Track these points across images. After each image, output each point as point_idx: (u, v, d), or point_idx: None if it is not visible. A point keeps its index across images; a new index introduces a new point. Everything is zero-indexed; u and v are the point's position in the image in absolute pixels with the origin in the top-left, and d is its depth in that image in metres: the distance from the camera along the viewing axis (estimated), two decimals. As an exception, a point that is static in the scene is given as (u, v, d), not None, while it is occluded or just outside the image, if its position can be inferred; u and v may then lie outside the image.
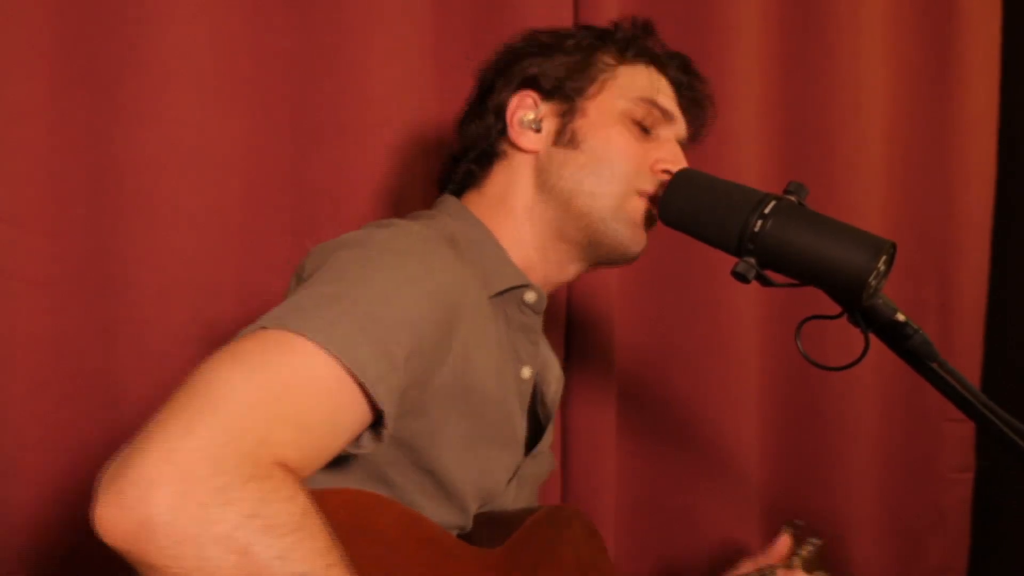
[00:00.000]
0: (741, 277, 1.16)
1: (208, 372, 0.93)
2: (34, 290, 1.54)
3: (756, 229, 1.15)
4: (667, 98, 1.41)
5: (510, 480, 1.32)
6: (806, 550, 1.73)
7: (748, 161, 2.02)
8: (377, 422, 1.02)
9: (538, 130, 1.37)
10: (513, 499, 1.35)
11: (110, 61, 1.56)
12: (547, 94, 1.38)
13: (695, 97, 1.47)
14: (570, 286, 1.90)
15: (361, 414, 1.00)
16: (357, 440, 1.04)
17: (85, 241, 1.57)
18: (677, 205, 1.25)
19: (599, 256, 1.39)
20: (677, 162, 1.38)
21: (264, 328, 0.97)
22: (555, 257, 1.37)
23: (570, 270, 1.40)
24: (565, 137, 1.35)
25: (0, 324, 1.52)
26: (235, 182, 1.65)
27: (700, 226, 1.23)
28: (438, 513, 1.19)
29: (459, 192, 1.42)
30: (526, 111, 1.37)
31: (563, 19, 1.83)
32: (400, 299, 1.06)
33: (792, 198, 1.18)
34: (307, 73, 1.69)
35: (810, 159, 2.12)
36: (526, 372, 1.33)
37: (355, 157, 1.71)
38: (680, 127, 1.43)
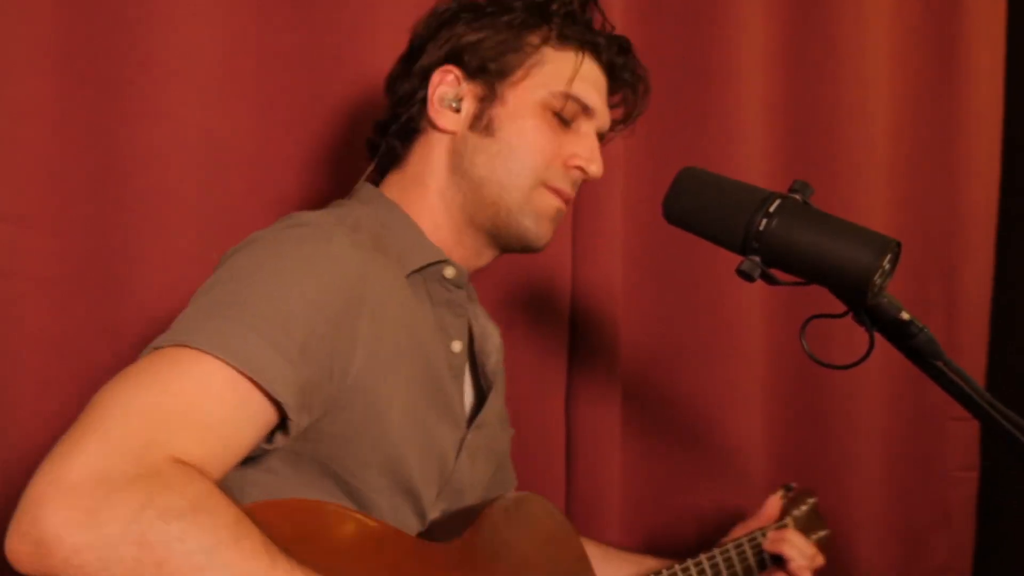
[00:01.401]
0: (746, 276, 1.16)
1: (99, 395, 0.97)
2: (39, 289, 1.54)
3: (761, 228, 1.15)
4: (592, 89, 1.39)
5: (459, 454, 1.32)
6: (800, 510, 1.74)
7: (753, 160, 2.02)
8: (283, 415, 1.04)
9: (457, 109, 1.35)
10: (470, 474, 1.35)
11: (115, 59, 1.56)
12: (471, 73, 1.35)
13: (629, 80, 1.45)
14: (574, 284, 1.90)
15: (263, 411, 1.03)
16: (269, 436, 1.07)
17: (90, 240, 1.57)
18: (682, 203, 1.25)
19: (505, 245, 1.39)
20: (592, 158, 1.39)
21: (157, 348, 1.01)
22: (469, 243, 1.38)
23: (484, 255, 1.40)
24: (482, 123, 1.35)
25: (6, 323, 1.52)
26: (240, 180, 1.66)
27: (704, 224, 1.22)
28: (392, 504, 1.20)
29: (382, 171, 1.42)
30: (447, 88, 1.35)
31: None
32: (288, 293, 1.08)
33: (797, 197, 1.17)
34: (312, 71, 1.69)
35: (815, 158, 2.12)
36: (456, 346, 1.34)
37: (360, 156, 1.71)
38: (602, 120, 1.42)
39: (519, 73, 1.35)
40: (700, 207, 1.23)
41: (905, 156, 2.26)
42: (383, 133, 1.41)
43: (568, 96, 1.36)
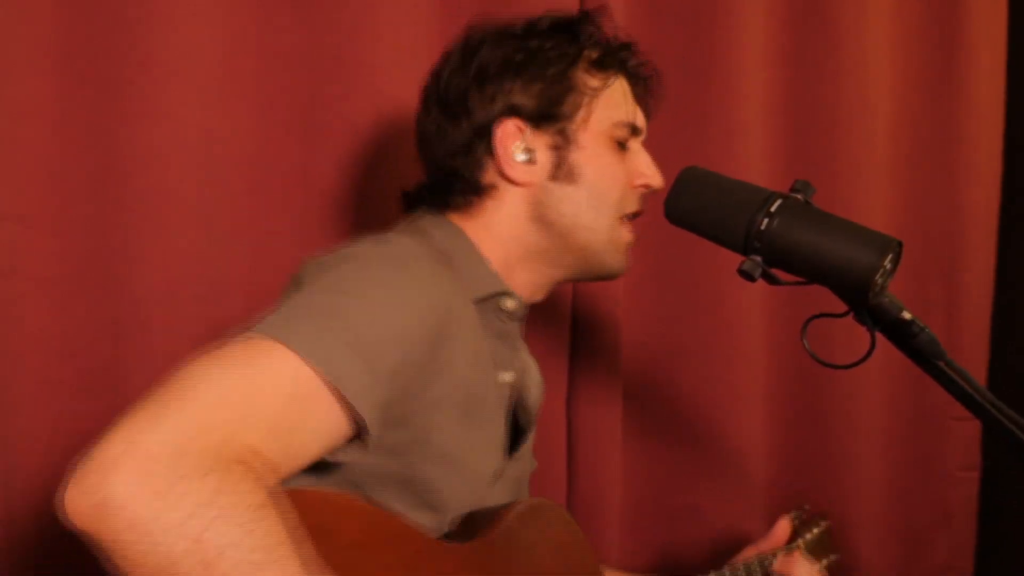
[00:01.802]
0: (747, 275, 1.16)
1: (187, 370, 0.96)
2: (40, 288, 1.54)
3: (762, 227, 1.15)
4: (634, 107, 1.41)
5: (495, 483, 1.33)
6: (812, 532, 1.74)
7: (754, 159, 2.02)
8: (360, 432, 1.05)
9: (531, 161, 1.34)
10: (500, 500, 1.35)
11: (115, 59, 1.56)
12: (535, 123, 1.34)
13: (649, 84, 1.46)
14: (575, 284, 1.90)
15: (340, 424, 1.03)
16: (342, 448, 1.07)
17: (91, 239, 1.57)
18: (683, 203, 1.25)
19: (587, 278, 1.44)
20: (654, 172, 1.40)
21: (251, 334, 1.00)
22: (541, 281, 1.39)
23: (550, 288, 1.42)
24: (563, 171, 1.34)
25: (7, 322, 1.52)
26: (241, 180, 1.66)
27: (706, 224, 1.23)
28: (414, 517, 1.20)
29: (438, 209, 1.39)
30: (514, 141, 1.33)
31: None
32: (389, 315, 1.08)
33: (798, 196, 1.18)
34: (313, 71, 1.69)
35: (816, 157, 2.12)
36: (506, 377, 1.34)
37: (361, 156, 1.71)
38: (644, 134, 1.44)
39: (582, 114, 1.35)
40: (701, 207, 1.23)
41: (906, 156, 2.26)
42: (434, 190, 1.38)
43: (625, 123, 1.38)
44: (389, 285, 1.12)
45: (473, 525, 1.26)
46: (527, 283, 1.38)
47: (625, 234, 1.40)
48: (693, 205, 1.24)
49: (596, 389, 1.93)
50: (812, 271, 1.15)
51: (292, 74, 1.68)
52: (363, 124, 1.70)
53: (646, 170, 1.40)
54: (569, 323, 1.91)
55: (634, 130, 1.40)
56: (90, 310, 1.57)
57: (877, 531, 2.21)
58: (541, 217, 1.35)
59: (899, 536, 2.27)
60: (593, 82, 1.36)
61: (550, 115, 1.33)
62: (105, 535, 0.86)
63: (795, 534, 1.72)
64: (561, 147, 1.34)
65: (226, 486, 0.88)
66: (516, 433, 1.43)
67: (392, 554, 1.12)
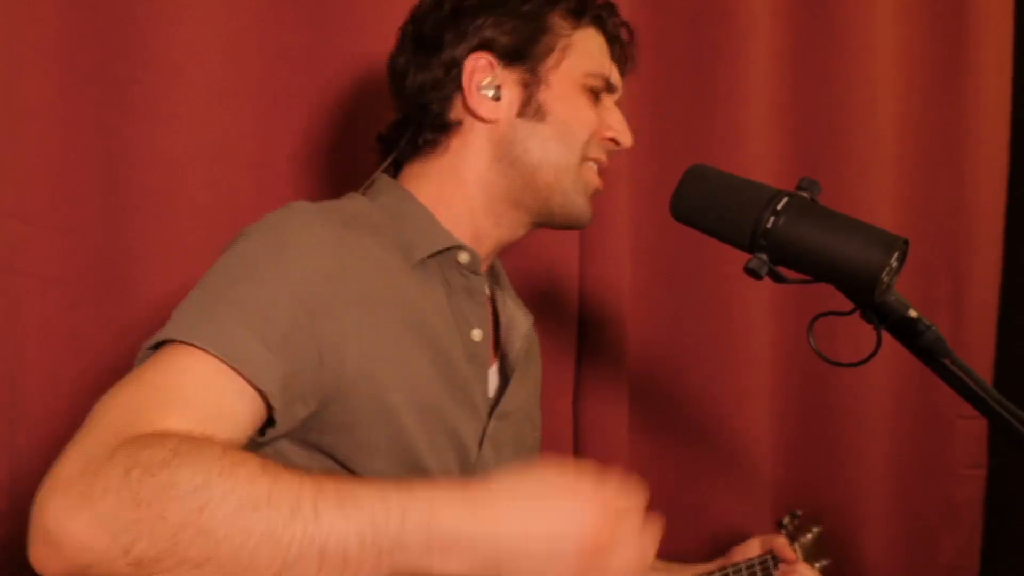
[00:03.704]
0: (753, 273, 1.16)
1: (92, 410, 0.98)
2: (47, 287, 1.55)
3: (769, 225, 1.15)
4: (610, 63, 1.41)
5: (481, 444, 1.32)
6: (806, 537, 1.74)
7: (761, 157, 2.02)
8: (268, 404, 1.05)
9: (497, 98, 1.33)
10: (497, 466, 1.35)
11: (122, 58, 1.56)
12: (506, 60, 1.33)
13: (626, 44, 1.45)
14: (582, 282, 1.90)
15: (247, 399, 1.03)
16: (262, 430, 1.07)
17: (97, 238, 1.57)
18: (689, 201, 1.25)
19: (552, 223, 1.40)
20: (624, 129, 1.40)
21: (146, 349, 1.05)
22: (507, 223, 1.37)
23: (519, 232, 1.40)
24: (531, 108, 1.33)
25: (13, 321, 1.52)
26: (246, 179, 1.66)
27: (712, 222, 1.22)
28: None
29: (398, 164, 1.40)
30: (483, 76, 1.33)
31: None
32: (270, 284, 1.09)
33: (805, 194, 1.17)
34: (319, 70, 1.69)
35: (823, 156, 2.12)
36: (476, 334, 1.32)
37: (367, 155, 1.71)
38: (620, 92, 1.44)
39: (555, 56, 1.34)
40: (707, 205, 1.23)
41: (912, 154, 2.26)
42: (404, 127, 1.39)
43: (599, 74, 1.37)
44: (271, 253, 1.12)
45: None
46: (493, 235, 1.37)
47: (593, 178, 1.38)
48: (699, 203, 1.24)
49: (603, 387, 1.93)
50: (818, 269, 1.15)
51: (298, 73, 1.68)
52: (369, 123, 1.70)
53: (616, 124, 1.39)
54: (576, 321, 1.91)
55: (608, 85, 1.39)
56: (95, 309, 1.58)
57: (883, 529, 2.21)
58: (506, 155, 1.34)
59: (905, 534, 2.26)
60: (569, 27, 1.36)
61: (522, 53, 1.33)
62: (78, 562, 0.85)
63: (791, 538, 1.73)
64: (531, 84, 1.34)
65: (132, 449, 0.88)
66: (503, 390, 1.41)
67: None
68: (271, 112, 1.67)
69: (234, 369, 1.01)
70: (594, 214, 1.41)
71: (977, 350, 2.31)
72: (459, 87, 1.33)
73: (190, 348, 1.01)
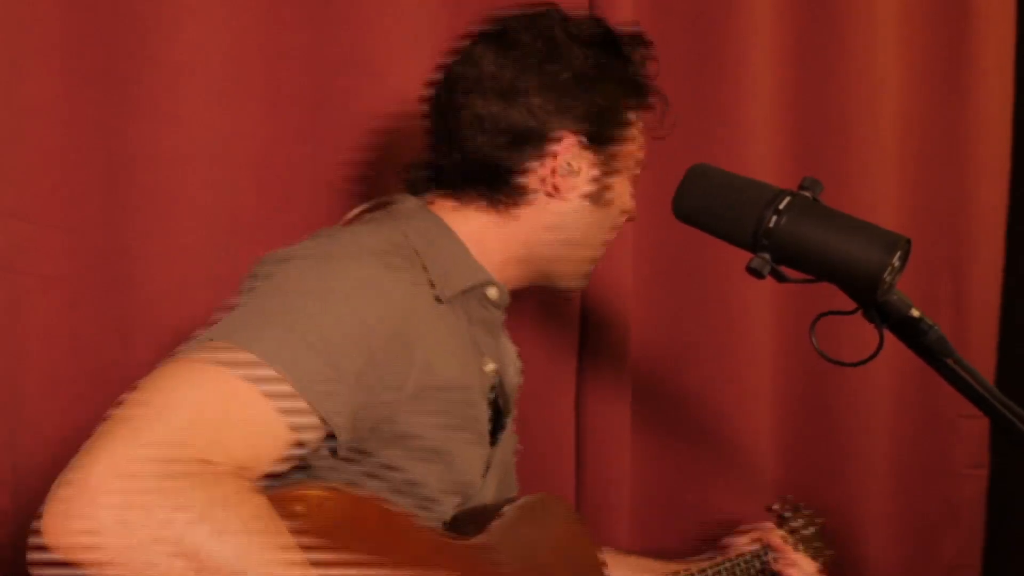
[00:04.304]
0: (756, 273, 1.16)
1: (156, 381, 0.95)
2: (47, 286, 1.54)
3: (771, 225, 1.15)
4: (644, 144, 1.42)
5: (486, 473, 1.33)
6: (808, 530, 1.74)
7: (763, 157, 2.02)
8: (330, 435, 1.04)
9: (574, 176, 1.32)
10: (494, 490, 1.37)
11: (123, 57, 1.56)
12: (591, 144, 1.32)
13: (660, 121, 1.44)
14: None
15: (309, 428, 1.02)
16: (316, 451, 1.06)
17: (99, 237, 1.57)
18: (691, 200, 1.25)
19: (551, 288, 1.43)
20: (635, 206, 1.44)
21: (212, 340, 0.99)
22: (526, 278, 1.39)
23: (520, 287, 1.40)
24: (604, 197, 1.35)
25: (15, 320, 1.52)
26: (249, 178, 1.66)
27: (714, 221, 1.22)
28: (410, 510, 1.20)
29: (435, 186, 1.37)
30: (569, 157, 1.31)
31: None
32: (349, 314, 1.07)
33: (807, 194, 1.17)
34: (321, 69, 1.69)
35: (824, 155, 2.12)
36: (489, 367, 1.33)
37: (369, 154, 1.71)
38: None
39: (626, 147, 1.36)
40: (710, 204, 1.23)
41: (914, 153, 2.25)
42: (459, 169, 1.33)
43: (642, 158, 1.40)
44: (345, 281, 1.10)
45: (478, 520, 1.27)
46: (513, 279, 1.37)
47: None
48: (701, 203, 1.24)
49: (605, 387, 1.93)
50: (820, 268, 1.15)
51: (300, 72, 1.68)
52: (371, 122, 1.70)
53: (634, 205, 1.43)
54: (578, 321, 1.91)
55: (642, 166, 1.42)
56: (97, 308, 1.58)
57: (885, 528, 2.21)
58: (562, 231, 1.34)
59: (907, 533, 2.27)
60: (633, 116, 1.37)
61: (605, 141, 1.33)
62: (100, 563, 0.84)
63: (780, 522, 1.72)
64: (608, 173, 1.34)
65: (216, 498, 0.88)
66: (497, 419, 1.42)
67: (403, 550, 1.13)
68: (272, 112, 1.67)
69: (303, 396, 0.99)
70: None
71: (979, 349, 2.31)
72: (540, 157, 1.30)
73: (264, 363, 0.98)
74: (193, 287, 1.60)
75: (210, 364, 0.97)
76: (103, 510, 0.84)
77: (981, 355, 2.31)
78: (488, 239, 1.33)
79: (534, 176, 1.32)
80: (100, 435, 0.89)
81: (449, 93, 1.34)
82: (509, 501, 1.32)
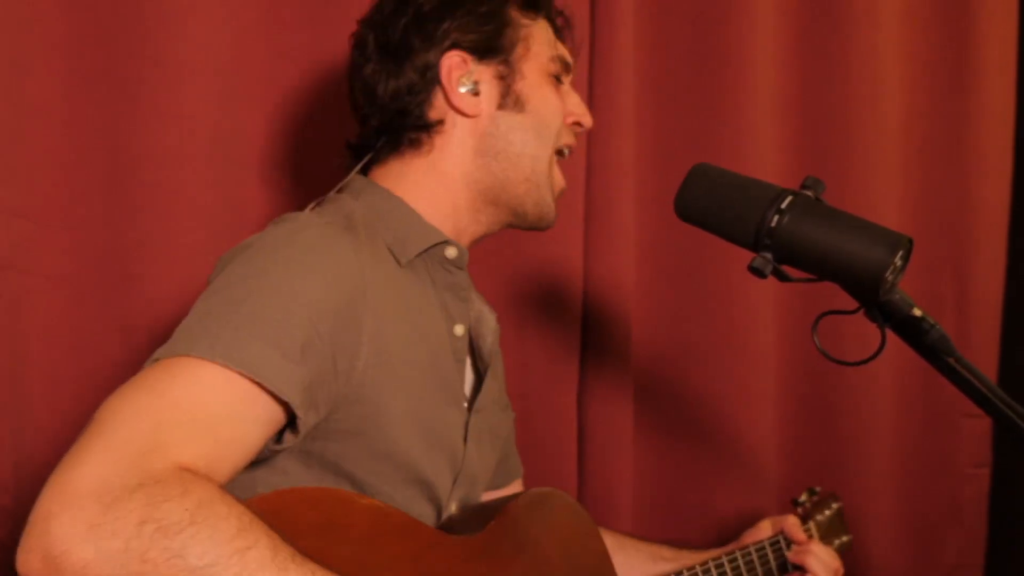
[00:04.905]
0: (758, 272, 1.16)
1: (102, 408, 0.97)
2: (50, 285, 1.55)
3: (773, 224, 1.14)
4: (564, 49, 1.44)
5: (466, 440, 1.34)
6: (824, 515, 1.73)
7: (765, 156, 2.02)
8: (291, 416, 1.06)
9: (476, 93, 1.35)
10: (479, 460, 1.37)
11: (127, 57, 1.57)
12: (479, 55, 1.35)
13: (566, 25, 1.48)
14: (586, 280, 1.90)
15: (269, 411, 1.04)
16: (278, 436, 1.08)
17: (102, 236, 1.58)
18: (693, 200, 1.24)
19: (523, 223, 1.42)
20: (583, 111, 1.43)
21: (157, 360, 1.02)
22: (485, 219, 1.39)
23: (493, 230, 1.42)
24: (510, 99, 1.36)
25: (18, 319, 1.52)
26: (251, 178, 1.66)
27: (716, 221, 1.22)
28: (405, 496, 1.22)
29: (374, 162, 1.40)
30: (461, 73, 1.34)
31: (580, 15, 1.82)
32: (286, 293, 1.09)
33: (809, 193, 1.17)
34: (323, 69, 1.69)
35: (827, 154, 2.12)
36: (459, 330, 1.34)
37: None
38: (573, 74, 1.47)
39: (521, 46, 1.37)
40: (712, 204, 1.22)
41: (917, 152, 2.25)
42: (379, 133, 1.39)
43: (559, 57, 1.41)
44: (283, 261, 1.13)
45: (477, 517, 1.27)
46: (470, 231, 1.39)
47: (560, 178, 1.42)
48: (703, 202, 1.23)
49: (607, 386, 1.93)
50: (823, 268, 1.15)
51: (303, 73, 1.68)
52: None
53: (578, 107, 1.43)
54: (580, 320, 1.91)
55: (566, 66, 1.43)
56: (100, 308, 1.58)
57: (888, 528, 2.21)
58: (489, 148, 1.36)
59: (910, 533, 2.26)
60: (525, 19, 1.38)
61: (492, 47, 1.36)
62: None
63: (807, 516, 1.72)
64: (507, 76, 1.36)
65: (155, 497, 0.89)
66: (479, 385, 1.43)
67: (399, 547, 1.13)
68: (274, 112, 1.67)
69: (254, 381, 1.01)
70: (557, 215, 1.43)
71: (981, 348, 2.31)
72: (437, 87, 1.34)
73: (205, 362, 1.00)
74: (195, 286, 1.59)
75: (152, 379, 1.01)
76: (53, 535, 0.87)
77: (983, 354, 2.31)
78: (430, 189, 1.35)
79: (438, 104, 1.35)
80: (72, 451, 0.92)
81: (350, 77, 1.42)
82: (513, 497, 1.32)
